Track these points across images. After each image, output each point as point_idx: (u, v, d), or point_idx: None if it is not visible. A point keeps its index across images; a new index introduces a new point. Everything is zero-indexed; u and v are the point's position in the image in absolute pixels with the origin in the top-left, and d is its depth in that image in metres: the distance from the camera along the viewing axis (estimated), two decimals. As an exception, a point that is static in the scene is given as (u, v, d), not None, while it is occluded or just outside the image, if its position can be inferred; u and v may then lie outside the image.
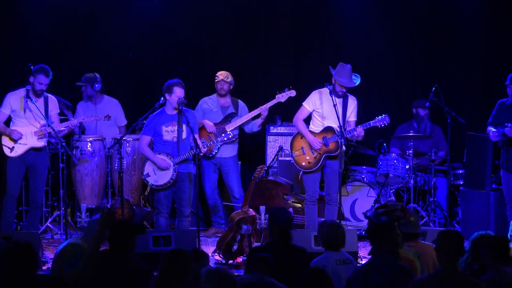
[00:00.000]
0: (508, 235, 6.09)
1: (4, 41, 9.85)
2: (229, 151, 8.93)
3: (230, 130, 8.80)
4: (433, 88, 8.84)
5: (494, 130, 8.06)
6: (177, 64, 10.15)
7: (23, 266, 4.56)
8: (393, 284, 4.79)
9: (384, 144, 9.29)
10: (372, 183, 9.15)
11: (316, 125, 8.05)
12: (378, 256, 4.95)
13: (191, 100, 8.59)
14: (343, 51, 10.28)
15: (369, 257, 5.14)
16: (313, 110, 8.02)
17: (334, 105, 7.69)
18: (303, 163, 8.06)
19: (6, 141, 8.05)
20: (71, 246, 5.86)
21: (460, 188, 8.97)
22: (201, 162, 8.98)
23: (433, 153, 9.06)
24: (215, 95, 9.07)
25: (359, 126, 7.95)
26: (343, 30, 10.24)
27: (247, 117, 8.85)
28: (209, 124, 8.84)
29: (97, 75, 9.19)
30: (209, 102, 9.06)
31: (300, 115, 8.09)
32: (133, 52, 10.13)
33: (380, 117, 7.96)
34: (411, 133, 9.26)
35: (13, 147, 8.03)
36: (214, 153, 8.86)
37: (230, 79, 8.97)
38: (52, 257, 7.43)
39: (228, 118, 8.92)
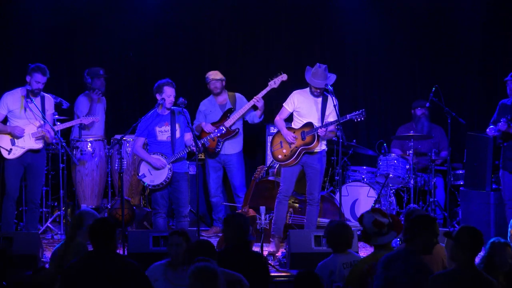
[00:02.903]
0: (508, 236, 6.08)
1: (4, 41, 9.84)
2: (233, 148, 8.98)
3: (230, 126, 8.83)
4: (433, 89, 8.84)
5: (492, 126, 8.11)
6: (177, 64, 10.15)
7: None
8: (412, 278, 4.79)
9: (385, 145, 9.30)
10: (372, 183, 9.15)
11: (297, 125, 8.11)
12: (406, 250, 4.94)
13: (191, 100, 8.59)
14: (343, 51, 10.29)
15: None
16: (293, 110, 8.07)
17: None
18: (279, 156, 8.11)
19: (4, 143, 8.02)
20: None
21: (460, 188, 8.96)
22: (206, 161, 9.04)
23: (434, 153, 9.07)
24: (211, 96, 9.12)
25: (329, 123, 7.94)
26: (343, 30, 10.24)
27: (243, 110, 8.92)
28: (206, 125, 8.88)
29: None
30: (206, 104, 9.13)
31: (281, 115, 8.17)
32: (133, 52, 10.13)
33: (357, 111, 7.98)
34: (411, 133, 9.26)
35: (11, 149, 8.01)
36: (217, 150, 8.89)
37: (219, 76, 9.06)
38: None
39: (226, 115, 8.95)
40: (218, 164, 9.04)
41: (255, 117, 8.95)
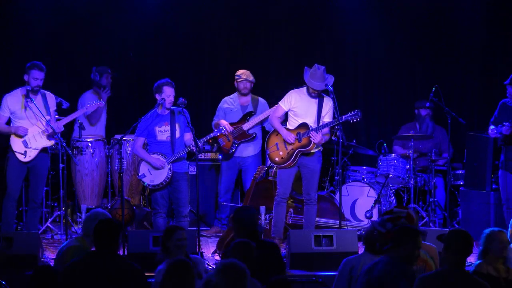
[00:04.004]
0: (508, 236, 6.08)
1: (4, 41, 9.85)
2: (249, 151, 8.93)
3: (248, 129, 8.80)
4: (433, 89, 8.84)
5: (493, 127, 8.12)
6: (177, 64, 10.15)
7: None
8: (395, 279, 4.77)
9: (385, 145, 9.30)
10: (372, 183, 9.15)
11: (292, 125, 8.09)
12: (388, 257, 4.92)
13: (191, 100, 8.58)
14: (343, 51, 10.29)
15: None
16: (289, 110, 8.06)
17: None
18: (276, 158, 8.09)
19: (17, 147, 8.00)
20: (73, 249, 5.85)
21: (460, 188, 8.97)
22: (221, 163, 9.00)
23: (434, 153, 9.07)
24: (235, 94, 9.07)
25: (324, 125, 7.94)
26: (343, 30, 10.24)
27: (263, 116, 8.83)
28: (224, 123, 8.84)
29: None
30: (229, 101, 9.06)
31: (276, 113, 8.15)
32: (133, 52, 10.14)
33: (352, 112, 7.98)
34: (412, 133, 9.26)
35: (25, 151, 8.00)
36: (231, 152, 8.86)
37: (252, 77, 8.98)
38: (52, 257, 7.49)
39: (246, 117, 8.91)
40: (234, 167, 8.96)
41: None
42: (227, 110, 9.00)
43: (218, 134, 8.33)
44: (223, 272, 4.46)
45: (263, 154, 9.08)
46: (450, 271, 4.64)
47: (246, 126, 8.84)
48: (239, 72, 9.00)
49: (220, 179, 9.05)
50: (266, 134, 9.05)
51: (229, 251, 5.28)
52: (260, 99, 9.03)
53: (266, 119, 8.87)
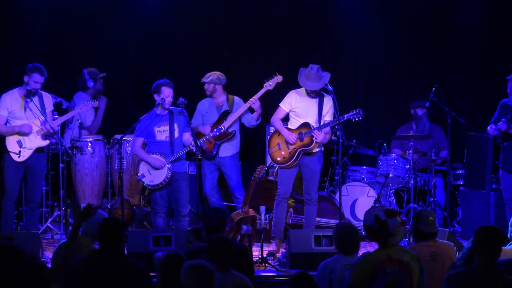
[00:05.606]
0: (508, 235, 6.09)
1: (4, 41, 9.85)
2: (228, 150, 8.95)
3: (227, 128, 8.82)
4: (433, 89, 8.85)
5: (492, 125, 8.14)
6: (177, 64, 10.15)
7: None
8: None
9: (384, 144, 9.30)
10: (372, 183, 9.15)
11: (293, 125, 8.09)
12: None
13: (191, 100, 8.59)
14: (343, 51, 10.29)
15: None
16: (290, 110, 8.06)
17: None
18: (278, 158, 8.09)
19: (11, 147, 8.00)
20: (64, 246, 5.85)
21: (460, 188, 8.98)
22: (202, 162, 9.03)
23: (433, 153, 9.07)
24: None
25: (326, 124, 7.94)
26: (343, 30, 10.24)
27: (239, 112, 8.85)
28: (203, 127, 8.86)
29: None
30: (205, 104, 9.09)
31: (277, 114, 8.14)
32: (133, 52, 10.14)
33: (354, 111, 7.98)
34: (411, 133, 9.27)
35: (20, 151, 8.00)
36: (214, 153, 8.87)
37: (210, 78, 8.96)
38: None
39: (223, 117, 8.93)
40: (213, 165, 8.99)
41: (252, 119, 8.92)
42: (204, 112, 9.03)
43: (217, 134, 8.33)
44: (190, 273, 4.44)
45: (241, 154, 9.13)
46: (479, 269, 4.62)
47: (225, 125, 8.86)
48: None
49: (203, 180, 9.01)
50: (244, 130, 9.10)
51: (207, 246, 5.20)
52: (235, 97, 9.04)
53: (243, 114, 8.88)
